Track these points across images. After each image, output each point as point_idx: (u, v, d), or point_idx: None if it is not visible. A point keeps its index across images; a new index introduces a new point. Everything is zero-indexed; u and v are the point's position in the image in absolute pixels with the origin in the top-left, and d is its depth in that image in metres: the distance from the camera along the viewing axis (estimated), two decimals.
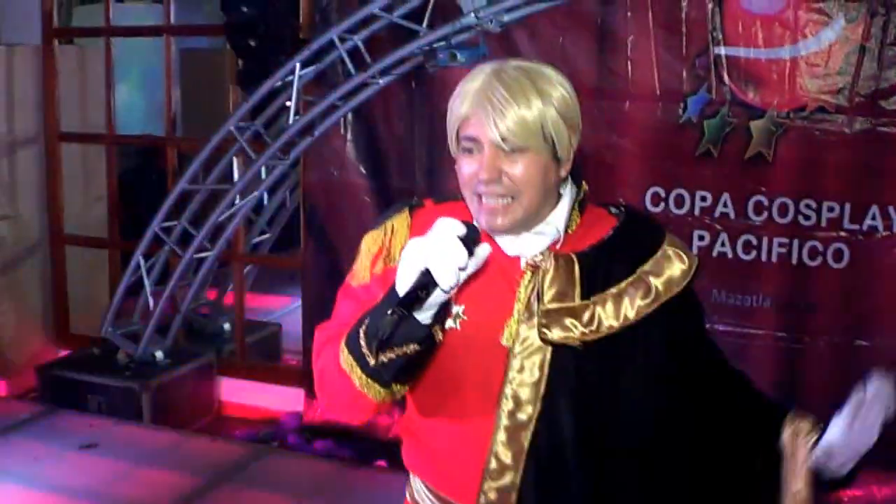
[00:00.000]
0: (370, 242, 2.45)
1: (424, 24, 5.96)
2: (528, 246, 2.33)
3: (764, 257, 5.86)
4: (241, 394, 7.21)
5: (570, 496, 2.33)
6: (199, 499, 5.68)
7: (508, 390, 2.30)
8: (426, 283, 2.08)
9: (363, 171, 6.61)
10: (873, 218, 5.63)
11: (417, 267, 2.08)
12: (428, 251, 2.08)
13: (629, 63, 5.94)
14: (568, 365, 2.29)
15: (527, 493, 2.32)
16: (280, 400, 7.04)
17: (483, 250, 2.13)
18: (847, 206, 5.68)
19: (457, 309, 2.31)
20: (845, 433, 2.28)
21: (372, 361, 2.18)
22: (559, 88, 2.27)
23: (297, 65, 6.21)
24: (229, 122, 6.50)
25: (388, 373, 2.19)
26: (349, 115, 6.49)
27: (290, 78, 6.24)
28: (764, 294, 5.91)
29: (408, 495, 2.59)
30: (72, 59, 7.88)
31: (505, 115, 2.18)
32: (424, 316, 2.13)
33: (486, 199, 2.24)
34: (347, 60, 6.10)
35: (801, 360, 5.91)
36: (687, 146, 5.90)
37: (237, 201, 6.69)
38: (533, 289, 2.30)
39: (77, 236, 7.93)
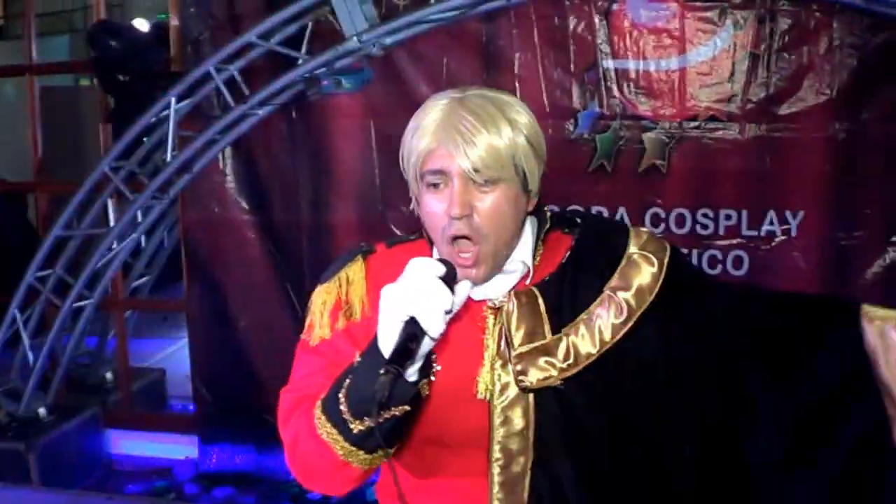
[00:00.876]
0: (324, 296, 2.21)
1: (303, 50, 5.76)
2: (495, 287, 2.13)
3: None
4: (131, 445, 6.85)
5: None
6: None
7: (496, 444, 2.09)
8: (414, 332, 1.85)
9: (245, 206, 6.32)
10: (771, 223, 5.63)
11: (400, 317, 1.86)
12: (410, 297, 1.87)
13: (516, 81, 5.80)
14: (554, 406, 2.09)
15: None
16: (173, 448, 6.72)
17: (464, 288, 1.98)
18: (744, 213, 5.67)
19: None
20: None
21: (356, 428, 1.94)
22: (525, 115, 2.12)
23: (172, 99, 5.93)
24: (103, 162, 6.18)
25: (375, 440, 1.93)
26: (228, 150, 6.22)
27: (166, 113, 5.97)
28: None
29: None
30: None
31: (476, 144, 1.99)
32: (411, 371, 1.90)
33: (462, 246, 2.03)
34: (225, 92, 5.85)
35: None
36: (580, 162, 5.79)
37: (114, 245, 6.36)
38: (500, 333, 2.10)
39: None
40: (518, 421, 2.09)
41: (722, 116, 5.60)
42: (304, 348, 2.20)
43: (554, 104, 5.79)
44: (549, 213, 2.27)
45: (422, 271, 1.90)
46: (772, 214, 5.62)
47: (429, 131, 2.03)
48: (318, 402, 2.01)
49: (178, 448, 6.67)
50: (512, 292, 2.11)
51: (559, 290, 2.14)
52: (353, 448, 1.98)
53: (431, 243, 2.16)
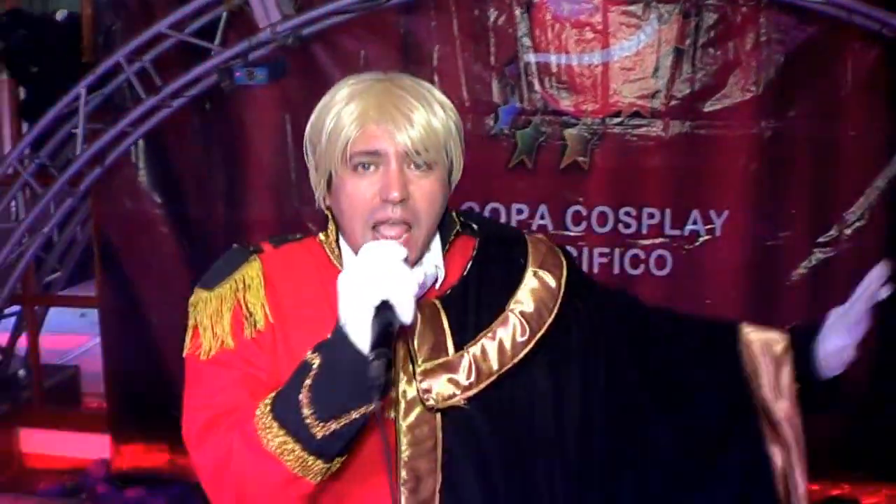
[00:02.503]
0: (215, 302, 1.94)
1: (217, 41, 5.52)
2: None
3: (585, 268, 5.53)
4: (42, 444, 6.55)
5: None
6: None
7: (403, 466, 1.89)
8: (388, 318, 1.69)
9: (158, 200, 6.03)
10: (694, 222, 5.46)
11: (371, 302, 1.69)
12: (379, 282, 1.70)
13: (435, 74, 5.53)
14: (460, 426, 1.93)
15: None
16: (85, 448, 6.43)
17: (418, 274, 1.91)
18: (668, 212, 5.49)
19: None
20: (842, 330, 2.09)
21: (320, 433, 1.72)
22: (448, 101, 2.00)
23: (83, 90, 5.65)
24: (10, 155, 5.91)
25: (338, 443, 1.75)
26: (140, 143, 5.93)
27: (77, 104, 5.71)
28: None
29: None
30: None
31: (415, 123, 1.87)
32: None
33: (385, 230, 1.88)
34: (136, 83, 5.59)
35: None
36: (500, 158, 5.57)
37: (25, 239, 6.11)
38: (406, 349, 1.93)
39: None
40: (428, 440, 1.91)
41: (646, 113, 5.39)
42: (200, 362, 1.93)
43: (474, 99, 5.54)
44: (454, 213, 2.13)
45: (386, 255, 1.74)
46: (696, 213, 5.44)
47: (359, 110, 1.87)
48: (266, 411, 1.77)
49: (91, 447, 6.37)
50: (415, 306, 1.82)
51: (463, 304, 2.00)
52: (312, 457, 1.75)
53: (322, 241, 2.04)
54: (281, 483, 1.78)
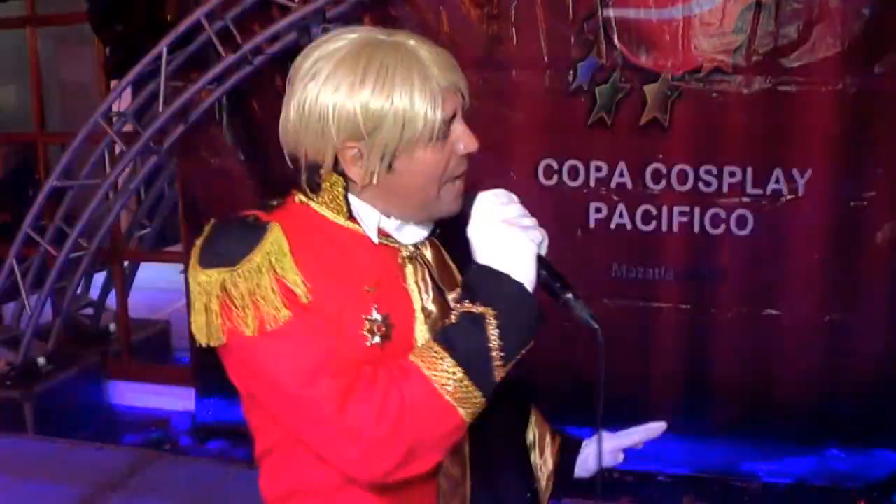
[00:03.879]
0: (248, 279, 1.79)
1: None
2: (415, 234, 1.96)
3: (664, 227, 5.46)
4: (130, 396, 6.70)
5: (516, 484, 2.10)
6: None
7: None
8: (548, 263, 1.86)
9: (241, 156, 6.06)
10: (777, 181, 5.29)
11: (534, 247, 1.82)
12: (531, 226, 1.84)
13: (514, 29, 5.46)
14: None
15: (484, 500, 1.99)
16: (171, 401, 6.55)
17: None
18: (749, 171, 5.32)
19: (376, 317, 1.86)
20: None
21: (498, 375, 1.78)
22: None
23: (164, 49, 5.69)
24: (96, 113, 5.97)
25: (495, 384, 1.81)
26: (224, 101, 5.96)
27: (159, 64, 5.75)
28: (666, 266, 5.53)
29: None
30: None
31: (463, 78, 1.88)
32: None
33: (458, 182, 1.89)
34: (216, 42, 5.60)
35: (709, 332, 5.57)
36: (579, 115, 5.45)
37: (111, 196, 6.19)
38: (425, 283, 1.95)
39: None
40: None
41: (727, 68, 5.21)
42: (267, 340, 1.80)
43: (552, 55, 5.42)
44: None
45: (508, 200, 1.87)
46: (778, 172, 5.27)
47: (432, 82, 1.81)
48: (445, 359, 1.76)
49: (176, 400, 6.49)
50: (428, 240, 1.96)
51: (454, 238, 1.95)
52: (484, 399, 1.78)
53: (310, 203, 1.95)
54: (454, 428, 1.79)
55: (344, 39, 1.85)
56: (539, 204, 5.33)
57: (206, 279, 1.80)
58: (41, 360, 6.42)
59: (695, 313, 5.56)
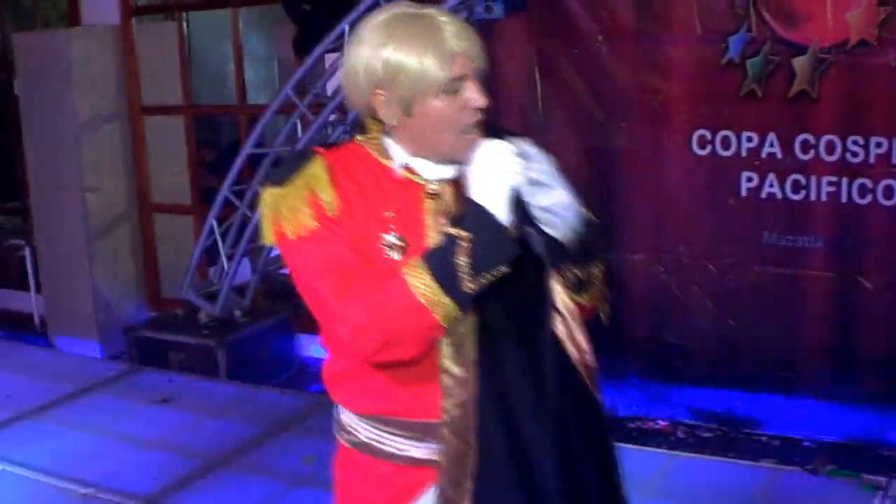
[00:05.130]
0: (291, 195, 2.32)
1: None
2: (440, 171, 2.36)
3: (813, 196, 5.53)
4: (319, 350, 7.14)
5: (527, 395, 2.33)
6: (261, 445, 5.71)
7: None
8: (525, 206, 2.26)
9: None
10: None
11: (505, 189, 2.21)
12: (511, 174, 2.21)
13: (669, 3, 5.69)
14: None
15: (486, 402, 2.31)
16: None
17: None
18: (895, 142, 5.35)
19: (392, 237, 2.33)
20: None
21: (470, 286, 2.20)
22: None
23: (346, 27, 6.14)
24: (286, 87, 6.46)
25: (469, 299, 2.23)
26: None
27: (342, 41, 6.19)
28: (815, 234, 5.61)
29: (345, 441, 2.52)
30: (150, 35, 7.90)
31: (479, 48, 2.30)
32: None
33: (473, 131, 2.27)
34: None
35: (856, 299, 5.60)
36: (731, 87, 5.58)
37: None
38: (443, 216, 2.34)
39: (162, 204, 7.98)
40: None
41: (873, 41, 5.26)
42: (298, 241, 2.32)
43: (705, 28, 5.58)
44: None
45: (505, 149, 2.22)
46: None
47: (446, 44, 2.24)
48: (421, 268, 2.22)
49: None
50: (452, 181, 2.35)
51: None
52: (456, 307, 2.22)
53: (363, 143, 2.42)
54: (428, 327, 2.22)
55: (384, 13, 2.31)
56: (693, 173, 5.55)
57: (265, 195, 2.35)
58: (237, 313, 6.98)
59: (842, 281, 5.61)
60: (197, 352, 6.77)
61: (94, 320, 7.76)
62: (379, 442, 2.44)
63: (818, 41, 5.38)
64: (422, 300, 2.19)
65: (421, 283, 2.20)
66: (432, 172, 2.35)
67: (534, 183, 2.22)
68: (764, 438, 5.87)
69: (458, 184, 2.33)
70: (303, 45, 6.58)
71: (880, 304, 5.56)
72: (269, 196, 2.35)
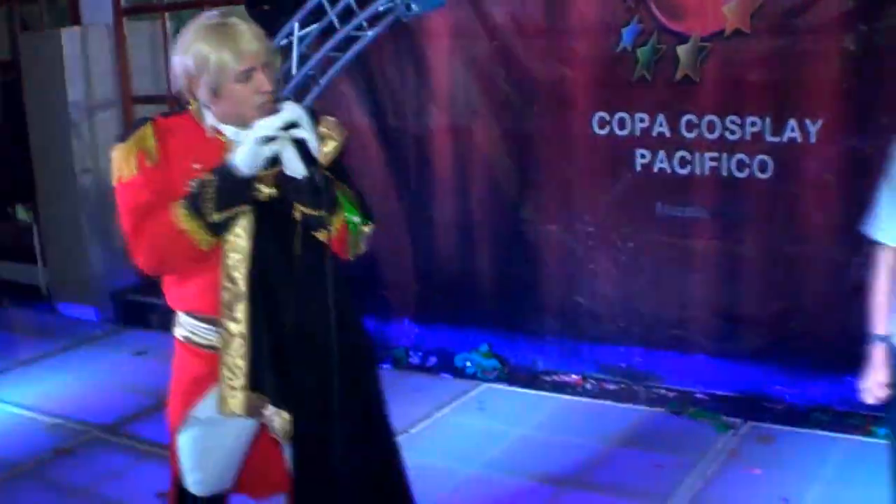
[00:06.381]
0: (125, 151, 3.12)
1: None
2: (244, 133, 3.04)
3: (698, 171, 6.04)
4: None
5: (286, 294, 3.19)
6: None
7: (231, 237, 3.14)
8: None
9: (365, 113, 7.16)
10: (792, 130, 5.73)
11: (248, 145, 2.99)
12: (259, 129, 2.98)
13: (572, 2, 6.29)
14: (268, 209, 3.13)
15: (254, 300, 3.16)
16: None
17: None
18: (768, 121, 5.80)
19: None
20: None
21: (215, 217, 3.02)
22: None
23: (296, 24, 6.82)
24: None
25: (222, 228, 3.07)
26: (351, 66, 6.93)
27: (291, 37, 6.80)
28: (701, 204, 6.12)
29: (178, 336, 3.37)
30: (139, 32, 8.65)
31: (265, 47, 3.05)
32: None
33: (264, 107, 3.01)
34: (333, 17, 6.59)
35: (738, 264, 6.10)
36: (624, 73, 6.12)
37: None
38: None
39: None
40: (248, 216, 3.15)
41: (747, 29, 5.76)
42: (121, 186, 3.13)
43: (602, 21, 6.18)
44: None
45: (270, 122, 2.96)
46: (792, 122, 5.72)
47: (238, 46, 2.97)
48: (182, 204, 3.02)
49: None
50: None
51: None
52: (208, 234, 3.04)
53: (193, 114, 3.16)
54: (187, 247, 3.05)
55: (198, 21, 3.05)
56: (594, 151, 6.21)
57: (112, 151, 3.18)
58: None
59: (725, 247, 6.11)
60: (168, 312, 7.48)
61: (90, 288, 8.58)
62: (194, 334, 3.28)
63: (699, 31, 5.91)
64: (181, 227, 3.01)
65: (181, 215, 3.01)
66: (234, 134, 3.05)
67: (290, 140, 2.95)
68: (662, 391, 6.37)
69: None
70: None
71: (759, 268, 6.05)
72: (114, 151, 3.14)
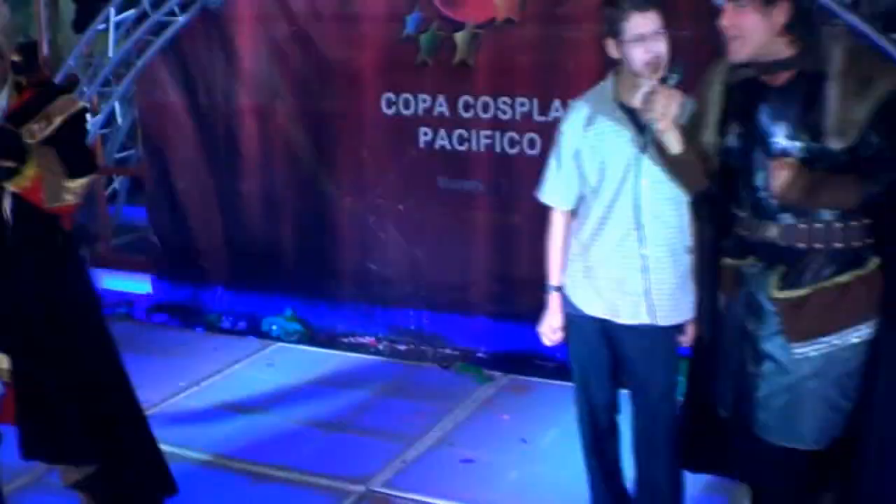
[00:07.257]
0: None
1: None
2: None
3: (474, 147, 6.55)
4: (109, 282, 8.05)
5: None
6: None
7: None
8: None
9: (180, 93, 7.51)
10: (557, 110, 6.19)
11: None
12: None
13: None
14: None
15: None
16: (135, 285, 8.02)
17: None
18: (535, 101, 6.33)
19: None
20: None
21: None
22: None
23: (112, 9, 7.26)
24: (69, 60, 7.57)
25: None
26: (166, 49, 7.36)
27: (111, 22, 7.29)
28: (477, 178, 6.62)
29: None
30: None
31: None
32: None
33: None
34: (144, 2, 7.07)
35: (511, 233, 6.59)
36: (409, 57, 6.59)
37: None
38: None
39: None
40: None
41: (517, 18, 6.26)
42: None
43: (389, 9, 6.65)
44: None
45: None
46: (557, 103, 6.19)
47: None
48: None
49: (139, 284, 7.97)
50: None
51: None
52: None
53: None
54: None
55: None
56: (383, 129, 6.70)
57: None
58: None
59: (500, 217, 6.62)
60: None
61: None
62: None
63: (474, 19, 6.42)
64: None
65: None
66: None
67: None
68: (448, 350, 6.88)
69: None
70: (81, 24, 7.68)
71: (530, 236, 6.43)
72: None
